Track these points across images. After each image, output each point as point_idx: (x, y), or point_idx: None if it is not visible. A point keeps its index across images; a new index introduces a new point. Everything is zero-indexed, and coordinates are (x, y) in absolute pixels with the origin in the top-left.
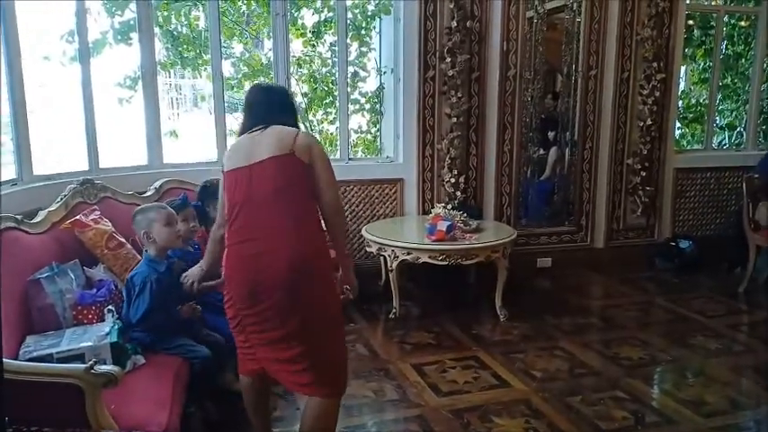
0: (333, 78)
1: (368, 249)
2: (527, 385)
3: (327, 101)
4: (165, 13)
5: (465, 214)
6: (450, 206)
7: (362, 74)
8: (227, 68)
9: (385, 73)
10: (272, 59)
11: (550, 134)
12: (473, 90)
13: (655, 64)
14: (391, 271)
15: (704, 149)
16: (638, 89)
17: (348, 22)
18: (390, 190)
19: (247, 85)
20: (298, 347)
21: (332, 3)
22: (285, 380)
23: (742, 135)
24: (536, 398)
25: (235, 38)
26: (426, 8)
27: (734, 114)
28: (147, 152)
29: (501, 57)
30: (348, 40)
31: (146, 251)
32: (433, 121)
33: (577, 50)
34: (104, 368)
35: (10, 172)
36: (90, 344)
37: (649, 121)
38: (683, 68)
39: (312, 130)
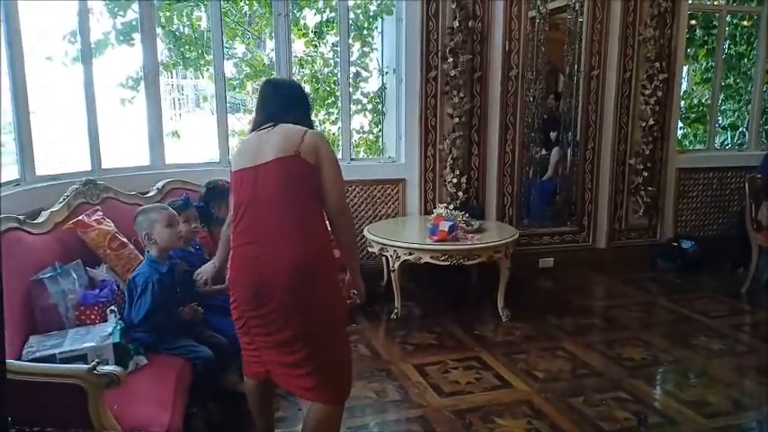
0: (335, 79)
1: (370, 249)
2: (529, 386)
3: (329, 101)
4: (168, 14)
5: (467, 214)
6: (452, 206)
7: (364, 74)
8: (229, 69)
9: (387, 73)
10: (274, 60)
11: (552, 134)
12: (475, 90)
13: (657, 64)
14: (393, 271)
15: (706, 149)
16: (641, 89)
17: (350, 22)
18: (392, 190)
19: (249, 86)
20: (302, 351)
21: (334, 3)
22: (289, 383)
23: (744, 135)
24: (538, 398)
25: (237, 38)
26: (428, 8)
27: (736, 114)
28: (150, 152)
29: (503, 57)
30: (350, 41)
31: (148, 252)
32: (435, 121)
33: (579, 50)
34: (107, 369)
35: (13, 172)
36: (93, 344)
37: (652, 121)
38: (685, 68)
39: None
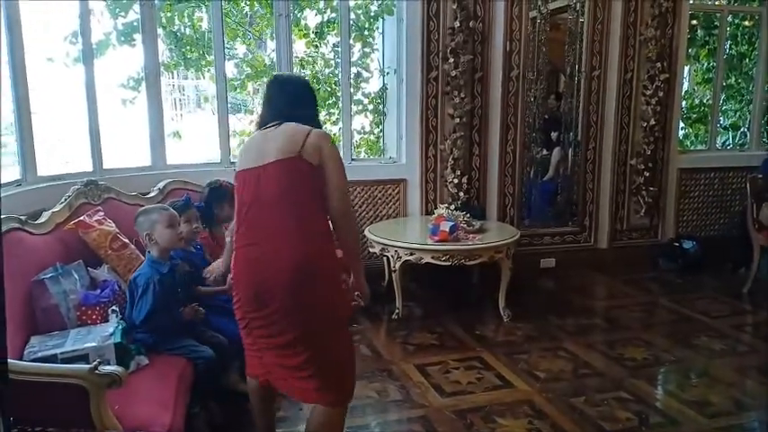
0: (336, 79)
1: (371, 250)
2: (530, 386)
3: (330, 101)
4: (169, 14)
5: (468, 215)
6: (453, 207)
7: (365, 74)
8: (230, 69)
9: (388, 73)
10: (275, 60)
11: (553, 134)
12: (476, 90)
13: (658, 64)
14: (394, 271)
15: (708, 150)
16: (642, 89)
17: (351, 22)
18: (393, 190)
19: (250, 86)
20: (304, 353)
21: (335, 3)
22: (290, 387)
23: (746, 135)
24: (539, 398)
25: (238, 39)
26: (429, 8)
27: (737, 114)
28: (151, 153)
29: (504, 57)
30: (351, 41)
31: (149, 252)
32: (436, 121)
33: (580, 51)
34: (108, 369)
35: (14, 173)
36: (94, 344)
37: (653, 122)
38: (686, 68)
39: None
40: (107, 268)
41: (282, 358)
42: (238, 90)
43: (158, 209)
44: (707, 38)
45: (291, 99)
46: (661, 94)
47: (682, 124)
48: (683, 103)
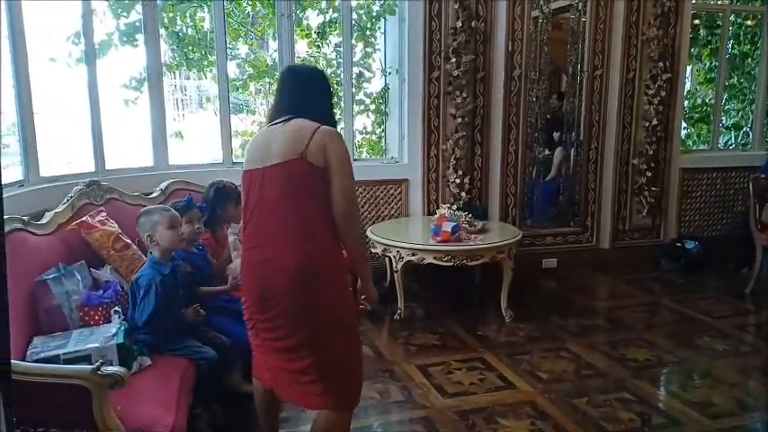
0: (338, 79)
1: (373, 250)
2: (533, 387)
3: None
4: (171, 15)
5: (470, 215)
6: (455, 207)
7: (367, 74)
8: (232, 69)
9: (390, 73)
10: (277, 60)
11: (556, 134)
12: (478, 90)
13: (660, 64)
14: (396, 272)
15: (710, 149)
16: (644, 89)
17: (353, 22)
18: (395, 191)
19: (252, 87)
20: (308, 358)
21: (337, 3)
22: (294, 393)
23: (748, 135)
24: (542, 399)
25: (240, 39)
26: (431, 8)
27: (740, 114)
28: (153, 153)
29: (506, 57)
30: (353, 41)
31: (150, 253)
32: (438, 121)
33: (583, 50)
34: (111, 369)
35: (17, 173)
36: (97, 345)
37: (655, 121)
38: (688, 68)
39: None
40: (110, 269)
41: (287, 362)
42: (240, 90)
43: (159, 210)
44: (709, 37)
45: (304, 92)
46: (663, 93)
47: (684, 124)
48: (686, 102)
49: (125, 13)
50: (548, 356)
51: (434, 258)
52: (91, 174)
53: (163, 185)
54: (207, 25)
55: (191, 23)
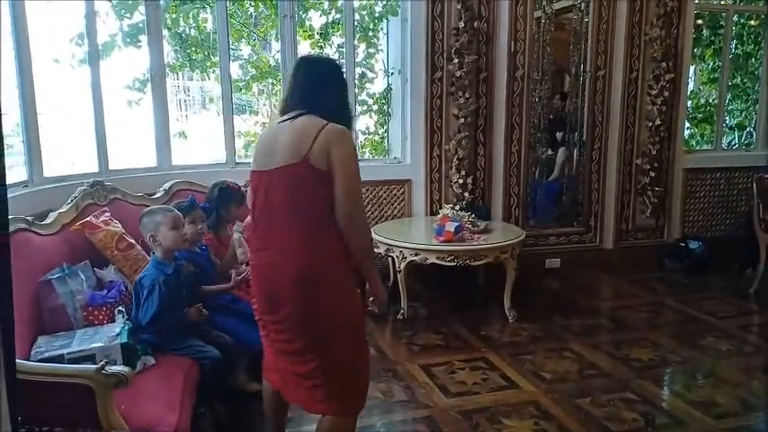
0: None
1: (376, 250)
2: (536, 387)
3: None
4: (174, 16)
5: (473, 215)
6: (458, 207)
7: (370, 75)
8: (235, 70)
9: (392, 74)
10: (279, 61)
11: (559, 134)
12: (481, 91)
13: (663, 64)
14: (399, 272)
15: (714, 150)
16: (647, 89)
17: (355, 23)
18: (398, 191)
19: (255, 87)
20: (314, 361)
21: (339, 4)
22: (300, 396)
23: (752, 135)
24: (545, 399)
25: (243, 40)
26: (434, 9)
27: (743, 114)
28: (156, 154)
29: (509, 57)
30: (355, 42)
31: (153, 253)
32: (441, 121)
33: (585, 50)
34: (115, 369)
35: (21, 174)
36: (101, 345)
37: (658, 122)
38: (692, 68)
39: None
40: (113, 269)
41: (294, 365)
42: (243, 91)
43: (162, 210)
44: (712, 37)
45: (315, 86)
46: (666, 93)
47: (687, 124)
48: (689, 102)
49: (128, 15)
50: (551, 356)
51: (437, 258)
52: (94, 174)
53: (166, 186)
54: (210, 26)
55: (194, 24)
